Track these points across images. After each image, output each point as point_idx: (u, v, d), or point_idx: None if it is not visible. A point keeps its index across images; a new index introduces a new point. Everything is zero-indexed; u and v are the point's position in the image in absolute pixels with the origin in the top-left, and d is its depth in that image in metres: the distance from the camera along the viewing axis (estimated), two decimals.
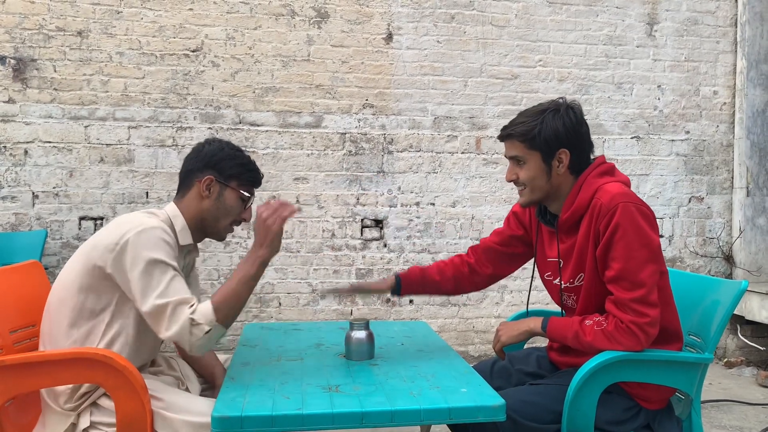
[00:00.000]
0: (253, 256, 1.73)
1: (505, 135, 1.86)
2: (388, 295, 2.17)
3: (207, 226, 1.89)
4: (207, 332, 1.65)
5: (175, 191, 4.28)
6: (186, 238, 1.86)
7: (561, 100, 1.85)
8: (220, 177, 1.86)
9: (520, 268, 4.60)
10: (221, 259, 4.17)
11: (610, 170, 1.86)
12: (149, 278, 1.66)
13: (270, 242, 1.73)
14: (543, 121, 1.80)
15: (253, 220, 1.87)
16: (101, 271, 1.72)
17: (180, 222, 1.86)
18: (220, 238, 1.95)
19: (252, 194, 1.93)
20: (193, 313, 1.65)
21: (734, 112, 4.73)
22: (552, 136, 1.79)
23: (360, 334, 1.86)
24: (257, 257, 1.73)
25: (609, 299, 1.75)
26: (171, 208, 1.88)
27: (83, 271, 1.74)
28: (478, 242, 2.20)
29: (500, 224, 4.39)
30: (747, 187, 4.65)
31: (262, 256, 1.73)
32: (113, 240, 1.70)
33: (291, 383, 1.63)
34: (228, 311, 1.68)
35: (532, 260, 2.08)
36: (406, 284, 2.11)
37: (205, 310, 1.66)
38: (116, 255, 1.69)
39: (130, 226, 1.72)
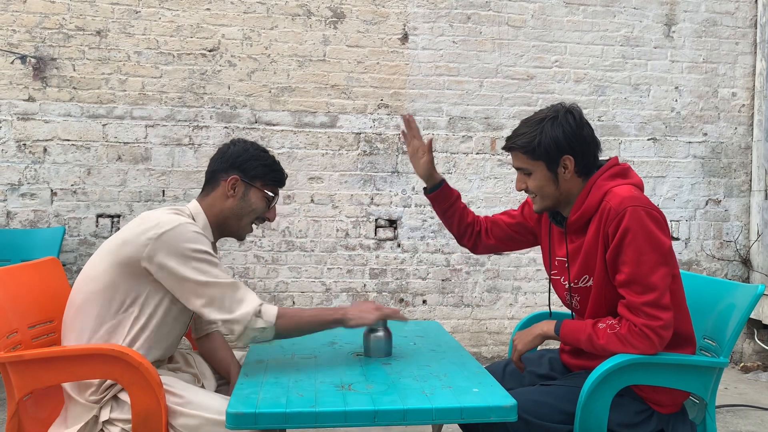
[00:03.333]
0: (340, 313, 1.83)
1: (508, 147, 1.87)
2: (422, 182, 2.16)
3: (229, 225, 1.93)
4: (260, 328, 1.71)
5: (191, 189, 4.33)
6: (207, 235, 1.89)
7: (559, 106, 1.84)
8: (245, 177, 1.90)
9: (535, 270, 4.58)
10: (236, 257, 4.20)
11: (623, 172, 1.85)
12: (208, 264, 1.72)
13: (358, 320, 1.82)
14: (542, 131, 1.79)
15: (274, 218, 1.98)
16: (134, 266, 1.74)
17: (202, 219, 1.90)
18: (240, 237, 1.99)
19: (276, 194, 1.97)
20: (261, 305, 1.72)
21: (753, 114, 4.68)
22: (552, 145, 1.79)
23: (379, 332, 1.88)
24: (342, 317, 1.82)
25: (621, 303, 1.74)
26: (193, 206, 1.92)
27: (112, 267, 1.77)
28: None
29: None
30: (765, 190, 4.60)
31: (345, 320, 1.82)
32: (147, 235, 1.73)
33: (305, 381, 1.64)
34: (287, 326, 1.76)
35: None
36: (446, 189, 2.13)
37: (271, 309, 1.73)
38: (154, 248, 1.72)
39: (162, 221, 1.75)
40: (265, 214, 1.96)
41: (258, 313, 1.71)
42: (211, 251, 1.77)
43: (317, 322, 1.81)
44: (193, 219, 1.88)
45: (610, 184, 1.80)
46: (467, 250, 4.39)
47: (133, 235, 1.76)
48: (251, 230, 1.99)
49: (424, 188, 2.18)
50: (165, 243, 1.71)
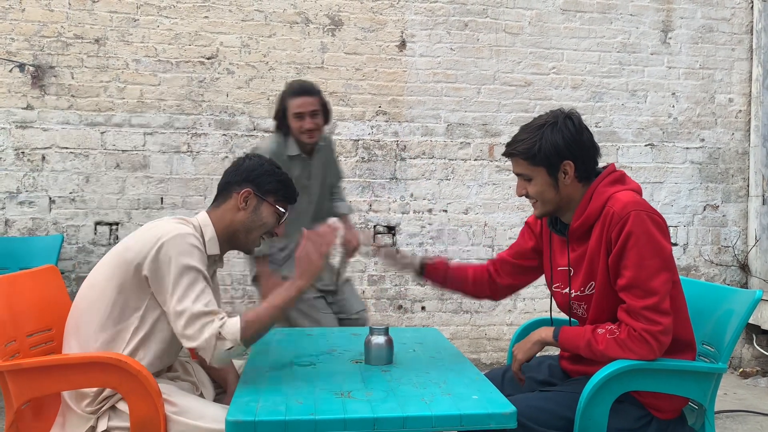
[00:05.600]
0: (292, 284, 1.79)
1: (509, 153, 1.88)
2: (411, 274, 2.22)
3: (237, 238, 1.94)
4: (229, 348, 1.70)
5: (190, 197, 4.33)
6: (213, 248, 1.90)
7: (559, 112, 1.85)
8: (258, 191, 1.91)
9: None
10: (235, 264, 4.19)
11: (621, 178, 1.86)
12: (184, 283, 1.71)
13: (310, 274, 1.78)
14: (542, 136, 1.80)
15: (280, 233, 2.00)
16: (136, 274, 1.75)
17: (210, 231, 1.90)
18: (248, 250, 2.00)
19: (287, 210, 1.98)
20: (221, 327, 1.70)
21: (750, 119, 4.69)
22: (552, 150, 1.79)
23: (380, 339, 1.88)
24: (296, 286, 1.79)
25: (621, 308, 1.75)
26: (202, 217, 1.93)
27: (116, 274, 1.77)
28: (490, 249, 2.23)
29: (513, 231, 4.39)
30: (763, 195, 4.61)
31: (300, 286, 1.79)
32: (149, 243, 1.74)
33: (304, 388, 1.64)
34: (254, 333, 1.74)
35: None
36: (431, 270, 2.16)
37: (233, 327, 1.70)
38: (152, 257, 1.73)
39: (164, 230, 1.76)
40: (274, 229, 1.97)
41: (219, 336, 1.69)
42: (201, 267, 1.76)
43: (280, 309, 1.77)
44: (201, 230, 1.88)
45: (611, 190, 1.81)
46: (466, 257, 4.39)
47: (135, 244, 1.77)
48: (259, 244, 2.00)
49: (417, 275, 2.21)
50: (162, 252, 1.72)
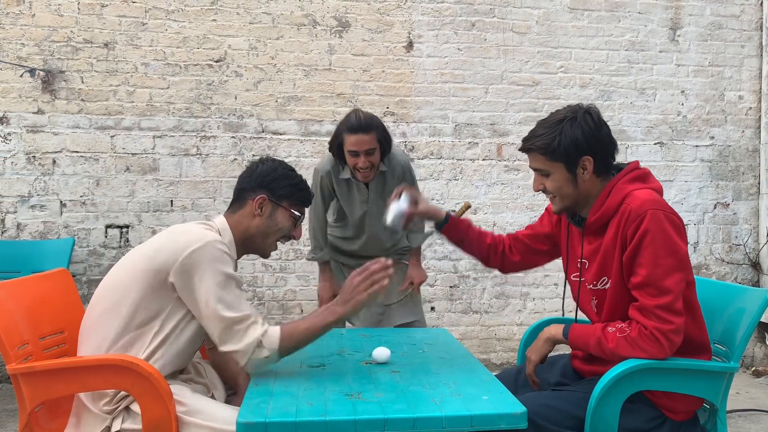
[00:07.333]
0: (332, 309, 1.80)
1: (526, 149, 1.87)
2: (431, 227, 2.21)
3: (254, 243, 1.95)
4: (266, 356, 1.72)
5: (199, 199, 4.34)
6: (231, 253, 1.90)
7: (578, 107, 1.84)
8: (273, 196, 1.92)
9: (543, 275, 4.55)
10: (245, 266, 4.21)
11: (643, 176, 1.85)
12: (219, 289, 1.73)
13: (352, 305, 1.79)
14: (561, 131, 1.79)
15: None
16: (162, 280, 1.76)
17: (228, 236, 1.91)
18: (265, 254, 2.00)
19: (303, 213, 1.99)
20: (263, 335, 1.73)
21: (760, 116, 4.66)
22: (572, 146, 1.79)
23: (404, 203, 2.04)
24: (335, 312, 1.79)
25: (633, 305, 1.74)
26: (221, 222, 1.94)
27: (140, 278, 1.78)
28: None
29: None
30: None
31: (340, 313, 1.79)
32: (178, 250, 1.75)
33: (314, 390, 1.64)
34: (290, 346, 1.76)
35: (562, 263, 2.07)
36: (453, 223, 2.15)
37: (272, 336, 1.74)
38: (181, 265, 1.73)
39: (194, 237, 1.77)
40: (291, 233, 1.98)
41: (260, 344, 1.72)
42: (233, 272, 1.79)
43: (318, 331, 1.80)
44: (220, 235, 1.89)
45: (630, 187, 1.80)
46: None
47: (162, 249, 1.77)
48: (276, 248, 2.01)
49: (438, 227, 2.19)
50: (193, 260, 1.73)
